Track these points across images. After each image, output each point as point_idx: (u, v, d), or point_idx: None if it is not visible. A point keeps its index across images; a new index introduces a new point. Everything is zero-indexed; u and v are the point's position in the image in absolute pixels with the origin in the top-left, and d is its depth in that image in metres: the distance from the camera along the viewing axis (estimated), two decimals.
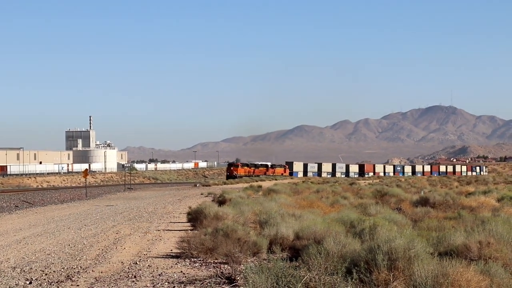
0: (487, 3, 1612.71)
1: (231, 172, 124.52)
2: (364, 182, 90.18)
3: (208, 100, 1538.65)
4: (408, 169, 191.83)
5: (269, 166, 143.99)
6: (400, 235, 13.52)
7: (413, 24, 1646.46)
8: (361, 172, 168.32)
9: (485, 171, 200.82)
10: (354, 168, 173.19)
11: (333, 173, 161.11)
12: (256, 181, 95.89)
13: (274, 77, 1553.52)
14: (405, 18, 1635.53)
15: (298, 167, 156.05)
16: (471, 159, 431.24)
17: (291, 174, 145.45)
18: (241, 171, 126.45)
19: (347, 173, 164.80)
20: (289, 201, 34.68)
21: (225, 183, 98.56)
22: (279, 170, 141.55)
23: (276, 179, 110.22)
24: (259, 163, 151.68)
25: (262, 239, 17.39)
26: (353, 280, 10.13)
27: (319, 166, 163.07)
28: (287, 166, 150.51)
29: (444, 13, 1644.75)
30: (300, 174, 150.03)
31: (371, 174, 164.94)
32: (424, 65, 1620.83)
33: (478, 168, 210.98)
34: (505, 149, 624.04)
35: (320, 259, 11.10)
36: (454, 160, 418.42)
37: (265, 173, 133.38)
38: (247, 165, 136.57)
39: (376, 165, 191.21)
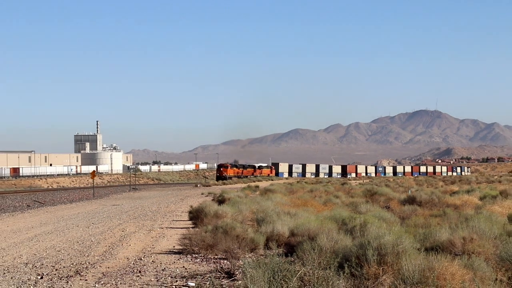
0: (469, 14, 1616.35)
1: (221, 173, 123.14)
2: (355, 182, 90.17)
3: (208, 105, 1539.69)
4: (389, 169, 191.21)
5: (257, 167, 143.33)
6: (389, 232, 13.52)
7: (400, 34, 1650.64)
8: (344, 172, 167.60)
9: (467, 172, 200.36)
10: (336, 169, 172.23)
11: (317, 173, 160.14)
12: (254, 181, 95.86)
13: (270, 83, 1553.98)
14: (393, 29, 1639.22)
15: (283, 168, 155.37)
16: (455, 160, 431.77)
17: (277, 174, 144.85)
18: (230, 172, 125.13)
19: (329, 173, 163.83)
20: (284, 200, 34.68)
21: (224, 183, 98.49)
22: (266, 171, 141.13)
23: (261, 180, 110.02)
24: (247, 164, 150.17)
25: (259, 236, 17.40)
26: (345, 274, 10.13)
27: (303, 167, 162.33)
28: (273, 167, 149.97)
29: (429, 24, 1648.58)
30: (286, 175, 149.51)
31: (353, 174, 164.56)
32: (411, 71, 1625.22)
33: (459, 168, 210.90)
34: (487, 151, 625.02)
35: (313, 255, 11.09)
36: (439, 161, 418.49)
37: (252, 174, 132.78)
38: (236, 166, 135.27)
39: (358, 166, 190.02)
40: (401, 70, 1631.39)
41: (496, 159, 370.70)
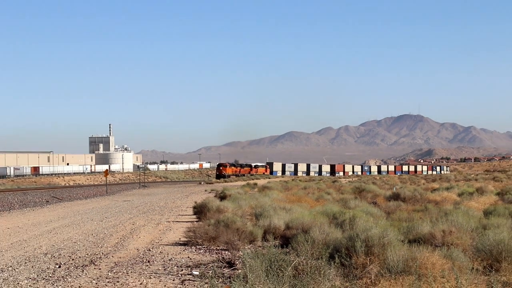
0: (448, 27, 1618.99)
1: (220, 172, 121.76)
2: (345, 180, 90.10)
3: (211, 110, 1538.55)
4: (374, 168, 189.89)
5: (253, 166, 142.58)
6: (376, 225, 13.55)
7: (386, 46, 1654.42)
8: (332, 171, 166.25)
9: (446, 171, 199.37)
10: (326, 168, 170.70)
11: (308, 172, 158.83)
12: (252, 179, 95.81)
13: (267, 90, 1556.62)
14: (380, 41, 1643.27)
15: (277, 167, 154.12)
16: (436, 160, 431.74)
17: (271, 173, 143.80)
18: (229, 170, 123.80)
19: (319, 172, 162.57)
20: (280, 196, 34.69)
21: (225, 181, 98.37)
22: (261, 170, 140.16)
23: (257, 178, 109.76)
24: (245, 164, 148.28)
25: (257, 229, 17.41)
26: (335, 264, 10.13)
27: (295, 166, 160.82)
28: (268, 166, 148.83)
29: (412, 37, 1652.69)
30: (279, 173, 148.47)
31: (341, 173, 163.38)
32: (396, 79, 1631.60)
33: (438, 167, 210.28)
34: (465, 152, 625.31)
35: (307, 246, 11.10)
36: (421, 161, 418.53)
37: (249, 172, 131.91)
38: (234, 165, 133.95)
39: (345, 165, 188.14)
40: (387, 78, 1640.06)
41: (472, 159, 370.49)
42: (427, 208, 22.42)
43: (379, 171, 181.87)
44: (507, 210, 19.63)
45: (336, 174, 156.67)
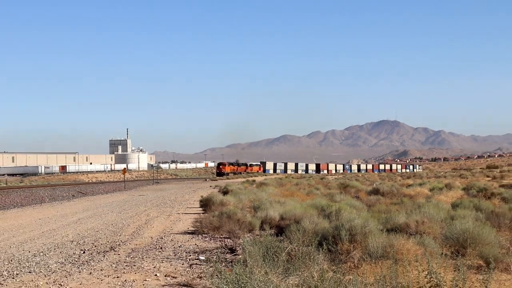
0: (420, 41, 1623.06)
1: (220, 170, 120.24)
2: (332, 177, 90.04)
3: (215, 116, 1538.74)
4: (354, 167, 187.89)
5: (248, 165, 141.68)
6: (358, 217, 13.53)
7: (365, 57, 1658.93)
8: (318, 169, 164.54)
9: (419, 169, 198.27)
10: (312, 167, 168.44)
11: (296, 170, 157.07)
12: (251, 177, 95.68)
13: (265, 98, 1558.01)
14: (361, 54, 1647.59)
15: (269, 165, 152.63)
16: (410, 159, 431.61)
17: (264, 171, 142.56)
18: (228, 169, 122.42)
19: (306, 170, 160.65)
20: (275, 191, 34.68)
21: (228, 178, 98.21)
22: (255, 168, 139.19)
23: (252, 175, 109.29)
24: (241, 163, 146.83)
25: (256, 220, 17.40)
26: (323, 250, 10.13)
27: (285, 165, 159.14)
28: (261, 165, 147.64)
29: (388, 51, 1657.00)
30: (271, 171, 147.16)
31: (325, 171, 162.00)
32: (376, 89, 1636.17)
33: (411, 166, 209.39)
34: (435, 152, 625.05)
35: (298, 235, 11.10)
36: (398, 160, 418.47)
37: (245, 170, 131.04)
38: (232, 164, 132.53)
39: (329, 164, 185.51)
40: (368, 88, 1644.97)
41: (442, 159, 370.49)
42: (402, 201, 22.41)
43: (359, 169, 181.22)
44: (471, 203, 19.63)
45: (321, 172, 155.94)
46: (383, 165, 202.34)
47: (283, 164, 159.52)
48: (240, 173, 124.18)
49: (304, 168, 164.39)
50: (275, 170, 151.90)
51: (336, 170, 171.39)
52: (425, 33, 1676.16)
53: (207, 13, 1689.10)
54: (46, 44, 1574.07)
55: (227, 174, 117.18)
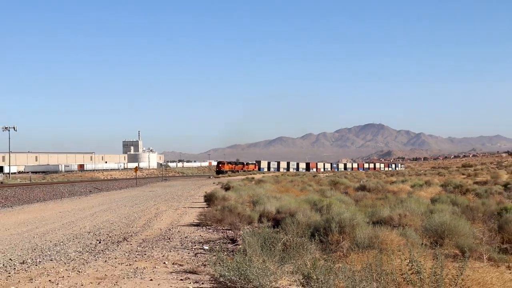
0: (403, 48, 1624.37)
1: (219, 168, 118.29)
2: (323, 175, 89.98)
3: (218, 119, 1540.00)
4: (341, 165, 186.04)
5: (245, 163, 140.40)
6: (347, 210, 13.54)
7: (349, 64, 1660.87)
8: (308, 168, 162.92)
9: (400, 167, 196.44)
10: (302, 165, 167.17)
11: (288, 168, 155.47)
12: (250, 175, 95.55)
13: (263, 103, 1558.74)
14: (344, 62, 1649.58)
15: (264, 164, 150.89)
16: (393, 159, 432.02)
17: (259, 169, 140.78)
18: (226, 167, 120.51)
19: (297, 168, 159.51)
20: (272, 188, 34.68)
21: (229, 176, 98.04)
22: (251, 167, 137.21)
23: (249, 173, 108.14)
24: (239, 162, 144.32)
25: (254, 213, 17.39)
26: (315, 240, 10.13)
27: (278, 164, 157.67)
28: (256, 164, 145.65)
29: (373, 59, 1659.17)
30: (266, 169, 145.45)
31: (314, 169, 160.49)
32: (362, 95, 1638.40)
33: (393, 165, 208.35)
34: (416, 153, 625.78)
35: (293, 227, 11.10)
36: (382, 160, 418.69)
37: (242, 169, 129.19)
38: (230, 163, 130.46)
39: (318, 163, 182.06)
40: (355, 94, 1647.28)
41: (422, 159, 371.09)
42: (387, 196, 22.42)
43: (345, 168, 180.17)
44: (448, 198, 19.65)
45: (311, 170, 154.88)
46: (367, 164, 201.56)
47: (276, 163, 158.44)
48: (238, 171, 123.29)
49: (295, 166, 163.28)
50: (269, 168, 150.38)
51: (324, 168, 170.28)
52: (405, 41, 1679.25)
53: (207, 13, 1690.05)
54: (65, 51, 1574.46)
55: (226, 172, 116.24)
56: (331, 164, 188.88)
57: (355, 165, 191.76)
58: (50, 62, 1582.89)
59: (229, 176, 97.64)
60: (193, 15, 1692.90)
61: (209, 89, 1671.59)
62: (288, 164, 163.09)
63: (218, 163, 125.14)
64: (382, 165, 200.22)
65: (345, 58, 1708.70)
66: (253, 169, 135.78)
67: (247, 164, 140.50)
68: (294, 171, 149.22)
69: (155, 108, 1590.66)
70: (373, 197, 23.29)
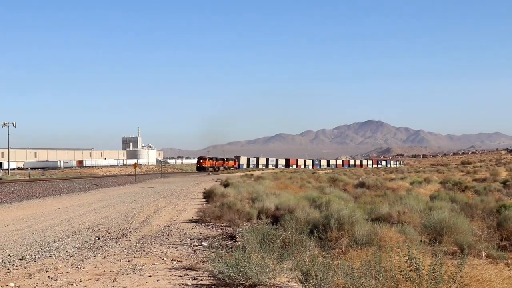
0: (402, 46, 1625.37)
1: (200, 164, 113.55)
2: (323, 172, 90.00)
3: (217, 116, 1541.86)
4: (324, 162, 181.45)
5: (225, 159, 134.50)
6: (346, 207, 13.55)
7: (350, 62, 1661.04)
8: (287, 164, 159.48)
9: (398, 164, 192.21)
10: (281, 162, 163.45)
11: (267, 165, 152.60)
12: (250, 171, 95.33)
13: (263, 100, 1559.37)
14: (349, 60, 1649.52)
15: (243, 160, 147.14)
16: (393, 156, 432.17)
17: (238, 165, 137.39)
18: (208, 163, 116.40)
19: (276, 165, 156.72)
20: (271, 184, 34.67)
21: (228, 173, 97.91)
22: (231, 163, 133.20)
23: (229, 169, 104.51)
24: (219, 157, 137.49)
25: (253, 210, 17.41)
26: (314, 237, 10.14)
27: (257, 159, 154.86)
28: (236, 160, 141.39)
29: (372, 56, 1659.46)
30: (245, 166, 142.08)
31: (294, 166, 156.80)
32: (362, 92, 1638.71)
33: (384, 162, 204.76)
34: (415, 150, 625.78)
35: (292, 223, 11.10)
36: (382, 157, 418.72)
37: (222, 165, 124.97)
38: (211, 158, 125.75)
39: (298, 159, 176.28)
40: (355, 91, 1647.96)
41: (421, 156, 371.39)
42: (386, 193, 22.44)
43: (328, 164, 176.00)
44: (447, 196, 19.67)
45: (290, 167, 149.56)
46: (359, 161, 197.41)
47: (255, 159, 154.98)
48: (218, 167, 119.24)
49: (274, 163, 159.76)
50: (248, 165, 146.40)
51: (305, 165, 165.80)
52: (405, 39, 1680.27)
53: (207, 14, 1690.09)
54: (66, 51, 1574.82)
55: (207, 168, 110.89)
56: (313, 160, 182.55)
57: (339, 162, 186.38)
58: (50, 59, 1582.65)
59: (229, 172, 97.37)
60: (193, 14, 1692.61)
61: (208, 85, 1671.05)
62: (267, 160, 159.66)
63: (199, 158, 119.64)
64: (370, 162, 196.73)
65: (344, 55, 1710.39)
66: (233, 166, 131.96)
67: (227, 160, 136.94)
68: (274, 167, 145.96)
69: (154, 105, 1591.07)
70: (372, 194, 23.29)
